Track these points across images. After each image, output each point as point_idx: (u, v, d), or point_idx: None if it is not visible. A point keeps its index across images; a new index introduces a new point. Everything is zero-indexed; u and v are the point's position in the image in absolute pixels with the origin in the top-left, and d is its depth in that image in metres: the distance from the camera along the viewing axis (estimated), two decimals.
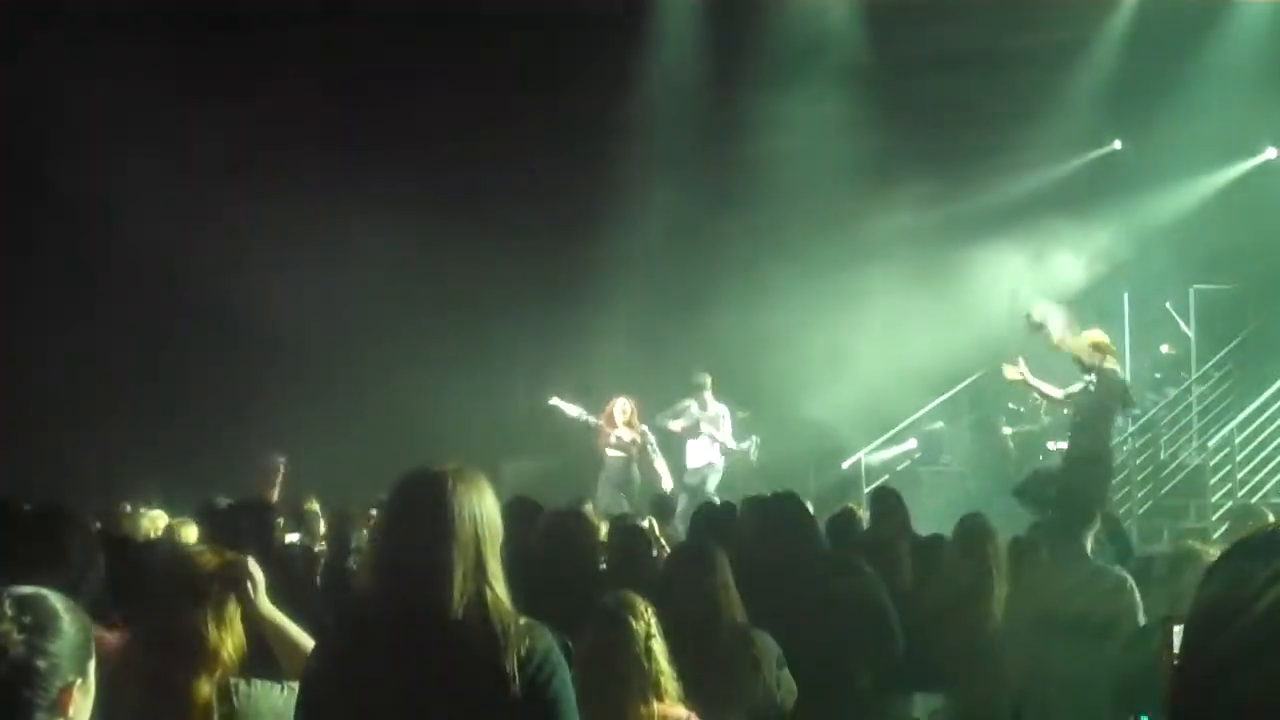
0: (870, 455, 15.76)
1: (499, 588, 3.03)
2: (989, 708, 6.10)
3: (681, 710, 3.92)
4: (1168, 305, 15.83)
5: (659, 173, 15.12)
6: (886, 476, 14.89)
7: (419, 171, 14.47)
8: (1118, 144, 16.33)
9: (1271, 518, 7.05)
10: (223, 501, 7.36)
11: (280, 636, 3.54)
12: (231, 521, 5.68)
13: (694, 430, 14.20)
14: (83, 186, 13.04)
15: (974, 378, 16.02)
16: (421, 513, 3.05)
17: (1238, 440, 13.08)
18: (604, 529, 7.65)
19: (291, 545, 5.32)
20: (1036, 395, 12.50)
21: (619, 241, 15.04)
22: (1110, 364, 10.98)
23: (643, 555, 6.60)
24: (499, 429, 14.84)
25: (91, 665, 2.36)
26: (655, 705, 3.86)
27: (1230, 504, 12.02)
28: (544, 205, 15.27)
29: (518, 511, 5.97)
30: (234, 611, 3.39)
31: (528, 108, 14.79)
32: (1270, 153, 15.77)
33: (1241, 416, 13.32)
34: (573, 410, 14.23)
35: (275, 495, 10.40)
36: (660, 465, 14.01)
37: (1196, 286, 15.40)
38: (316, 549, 7.26)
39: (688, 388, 14.39)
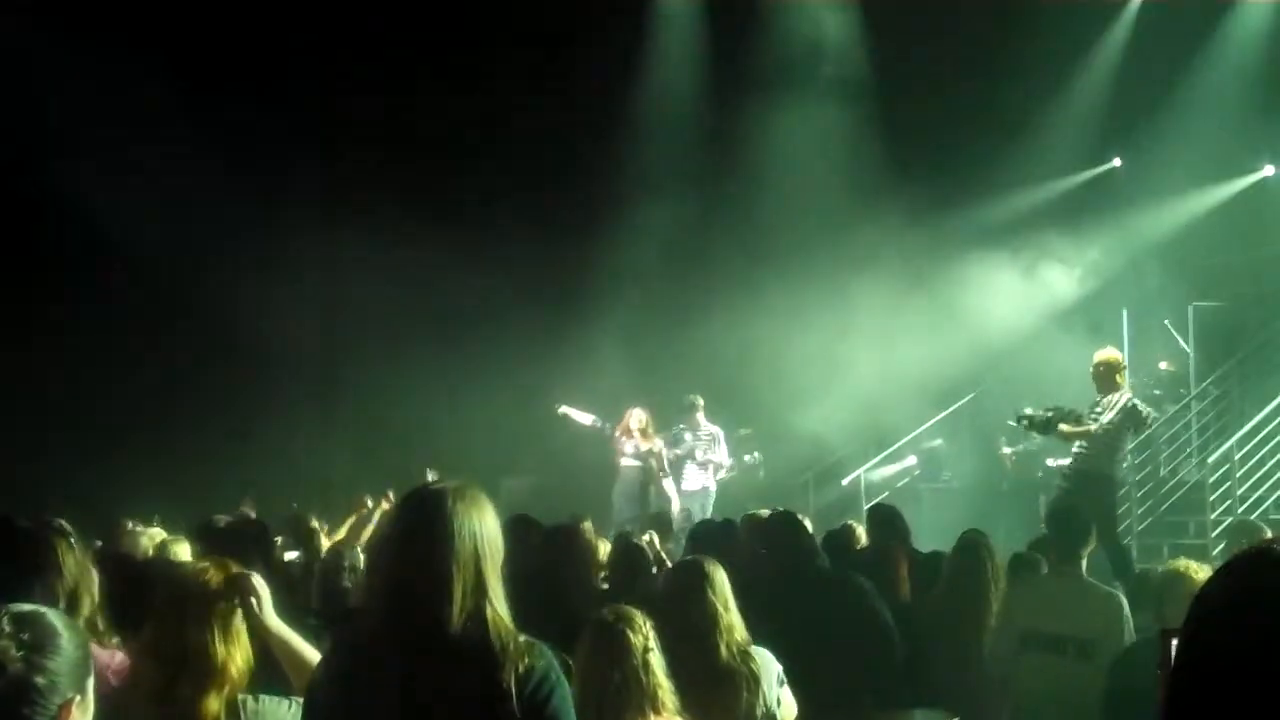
0: (870, 472, 15.78)
1: (499, 605, 3.04)
2: None
3: None
4: (1166, 322, 15.83)
5: (653, 187, 15.17)
6: (886, 493, 14.88)
7: (410, 184, 14.46)
8: (1117, 161, 16.38)
9: (1269, 533, 7.06)
10: (221, 520, 7.37)
11: (287, 651, 3.54)
12: (231, 541, 5.68)
13: (688, 456, 14.11)
14: (83, 201, 13.07)
15: (973, 394, 16.04)
16: (422, 531, 3.06)
17: (1237, 457, 13.06)
18: (606, 545, 7.67)
19: (292, 563, 5.31)
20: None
21: (614, 256, 15.06)
22: (1125, 384, 10.92)
23: (643, 571, 6.60)
24: (496, 445, 14.81)
25: (90, 683, 2.36)
26: (653, 718, 3.86)
27: (1230, 520, 12.00)
28: (538, 219, 15.26)
29: (517, 529, 5.96)
30: (240, 626, 3.38)
31: (522, 121, 14.83)
32: (1268, 170, 15.79)
33: (1241, 433, 13.30)
34: (585, 418, 14.10)
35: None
36: (668, 483, 13.81)
37: (1195, 304, 15.40)
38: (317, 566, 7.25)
39: (678, 408, 14.29)
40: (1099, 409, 10.44)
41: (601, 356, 14.83)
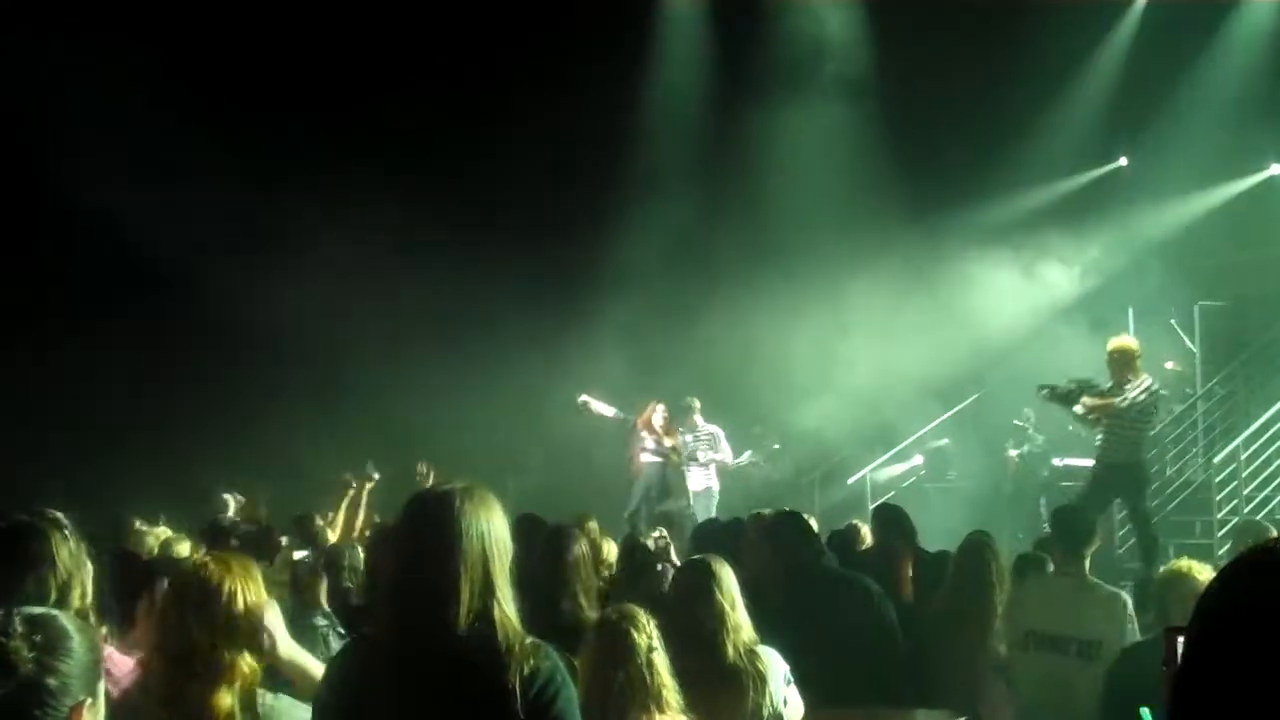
0: (876, 472, 15.78)
1: (507, 606, 3.04)
2: None
3: None
4: (1172, 322, 15.81)
5: (656, 187, 15.18)
6: (892, 493, 14.89)
7: (413, 185, 14.44)
8: (1123, 160, 16.37)
9: (1275, 533, 7.05)
10: (225, 520, 7.41)
11: (303, 675, 3.54)
12: (240, 542, 5.70)
13: (690, 458, 14.04)
14: (84, 202, 13.09)
15: (979, 394, 16.05)
16: (429, 531, 3.06)
17: (1243, 457, 13.04)
18: (611, 545, 7.67)
19: (300, 562, 5.32)
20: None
21: (617, 256, 15.07)
22: (1144, 371, 10.68)
23: (649, 570, 6.61)
24: (498, 444, 14.80)
25: (102, 686, 2.37)
26: (657, 717, 3.86)
27: (1236, 520, 11.98)
28: (541, 220, 15.27)
29: (526, 529, 5.96)
30: (253, 619, 3.36)
31: (526, 121, 14.82)
32: (1275, 168, 15.76)
33: (1247, 433, 13.29)
34: (607, 410, 13.92)
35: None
36: (687, 481, 13.70)
37: (1201, 303, 15.39)
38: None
39: (675, 410, 14.19)
40: (1127, 388, 10.24)
41: (604, 356, 14.84)
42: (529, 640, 3.04)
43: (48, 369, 13.85)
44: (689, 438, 14.08)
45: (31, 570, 3.58)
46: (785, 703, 4.52)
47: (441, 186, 14.63)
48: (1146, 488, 10.69)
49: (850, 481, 15.70)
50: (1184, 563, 5.45)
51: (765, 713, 4.43)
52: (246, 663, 3.23)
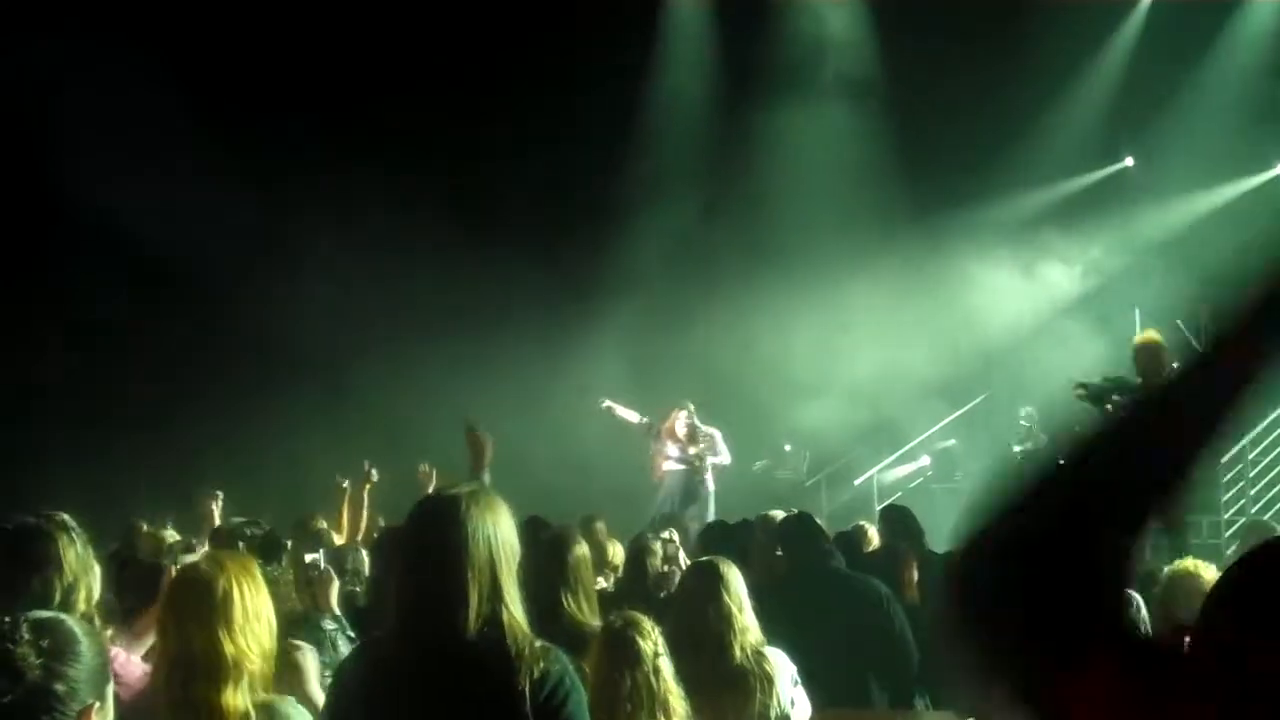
0: (883, 473, 15.77)
1: (515, 609, 3.04)
2: None
3: None
4: (1179, 322, 15.79)
5: (659, 189, 15.18)
6: (899, 494, 14.88)
7: (415, 188, 14.41)
8: (1129, 160, 16.35)
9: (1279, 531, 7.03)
10: (233, 521, 7.38)
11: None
12: (244, 547, 5.68)
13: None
14: (83, 201, 13.10)
15: (986, 395, 16.04)
16: (435, 537, 3.07)
17: (1250, 456, 13.03)
18: (616, 547, 7.65)
19: (312, 564, 5.29)
20: None
21: (620, 258, 15.06)
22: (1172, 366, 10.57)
23: (653, 572, 6.60)
24: (500, 447, 14.70)
25: (110, 689, 2.37)
26: None
27: (1243, 520, 11.97)
28: (544, 222, 15.25)
29: (530, 532, 5.95)
30: (252, 621, 3.33)
31: (528, 124, 14.83)
32: None
33: (1254, 433, 13.27)
34: (630, 415, 13.76)
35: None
36: (710, 483, 13.54)
37: (1207, 304, 15.34)
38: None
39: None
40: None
41: (607, 357, 14.83)
42: (539, 643, 3.04)
43: (48, 370, 13.85)
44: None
45: (37, 572, 3.58)
46: (793, 704, 4.52)
47: (443, 187, 14.62)
48: None
49: (857, 483, 15.69)
50: (1189, 562, 5.44)
51: (772, 714, 4.43)
52: (252, 660, 3.21)
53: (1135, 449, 1.46)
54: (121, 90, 13.01)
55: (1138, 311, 15.18)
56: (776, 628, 4.76)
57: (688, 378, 14.70)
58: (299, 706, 3.34)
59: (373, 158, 14.28)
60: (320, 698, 3.58)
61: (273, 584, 3.77)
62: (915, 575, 7.21)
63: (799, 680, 4.59)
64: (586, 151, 14.87)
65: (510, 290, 14.80)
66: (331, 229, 14.19)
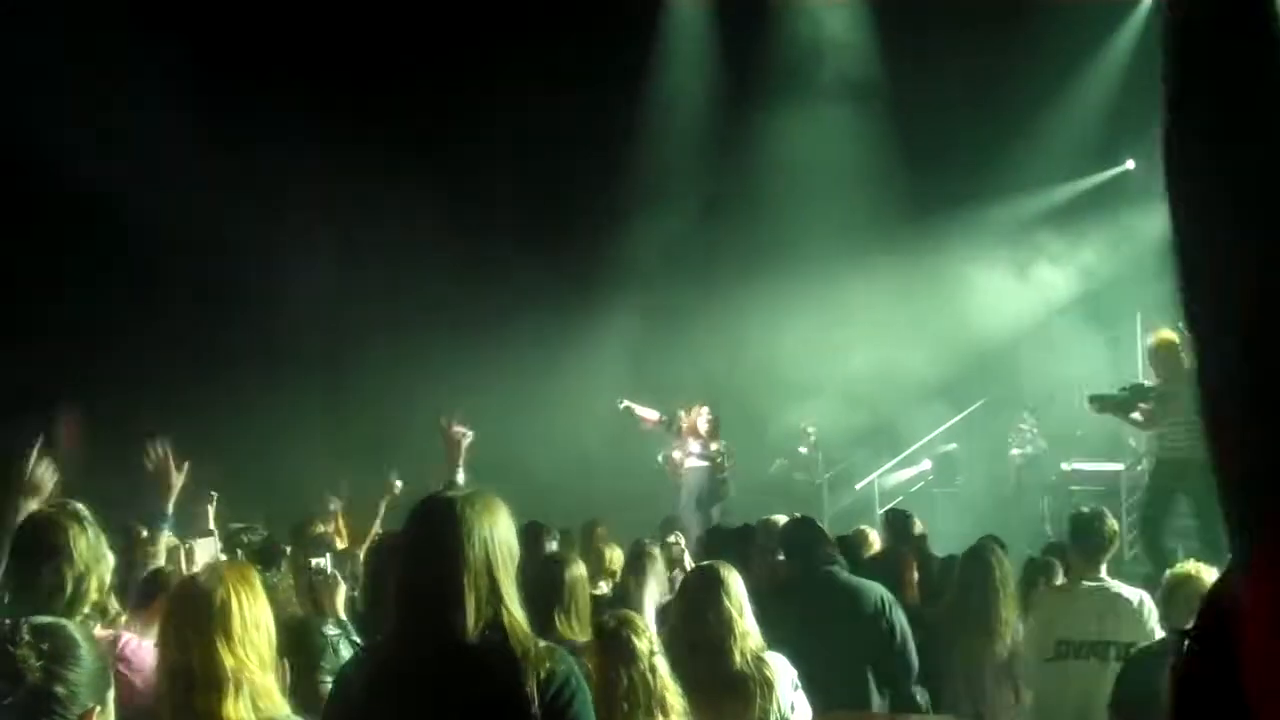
0: (884, 477, 15.77)
1: (515, 611, 3.03)
2: None
3: None
4: (1180, 325, 15.78)
5: (660, 191, 15.19)
6: (900, 498, 14.88)
7: (414, 190, 14.37)
8: (1130, 163, 16.34)
9: None
10: (232, 527, 7.38)
11: None
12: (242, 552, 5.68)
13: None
14: (86, 202, 13.09)
15: (986, 399, 16.04)
16: (434, 540, 3.06)
17: None
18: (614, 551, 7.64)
19: (319, 568, 5.27)
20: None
21: (620, 259, 15.07)
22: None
23: (653, 575, 6.59)
24: (499, 449, 14.68)
25: (111, 694, 2.38)
26: None
27: None
28: (543, 224, 15.24)
29: (528, 537, 5.95)
30: (253, 631, 3.29)
31: (528, 120, 14.82)
32: None
33: None
34: (650, 414, 13.68)
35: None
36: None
37: None
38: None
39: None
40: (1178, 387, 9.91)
41: (608, 356, 14.82)
42: (543, 644, 3.04)
43: (44, 369, 13.81)
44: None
45: (48, 563, 3.59)
46: (793, 708, 4.51)
47: (443, 189, 14.60)
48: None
49: (858, 487, 15.69)
50: (1191, 565, 5.43)
51: (772, 718, 4.43)
52: (252, 670, 3.18)
53: None
54: (120, 72, 12.93)
55: (1139, 315, 15.19)
56: (778, 632, 4.76)
57: (687, 378, 14.70)
58: (298, 719, 3.33)
59: (372, 159, 14.26)
60: None
61: (271, 590, 3.75)
62: (916, 576, 7.23)
63: (799, 685, 4.59)
64: (586, 151, 14.86)
65: (509, 290, 14.77)
66: (328, 229, 14.19)
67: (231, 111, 13.72)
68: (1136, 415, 10.01)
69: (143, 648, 3.79)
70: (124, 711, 2.79)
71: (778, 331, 14.95)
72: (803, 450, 15.57)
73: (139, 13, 13.18)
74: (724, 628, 4.49)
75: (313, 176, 13.93)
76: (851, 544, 7.81)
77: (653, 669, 3.89)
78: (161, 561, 5.04)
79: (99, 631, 3.65)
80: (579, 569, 5.01)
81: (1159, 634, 5.66)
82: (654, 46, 16.16)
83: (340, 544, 8.23)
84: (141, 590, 4.65)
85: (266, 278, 13.92)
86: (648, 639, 3.93)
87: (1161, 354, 9.86)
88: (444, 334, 14.35)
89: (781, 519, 7.36)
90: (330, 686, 3.41)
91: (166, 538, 5.32)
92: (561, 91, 14.40)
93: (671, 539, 7.84)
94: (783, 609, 5.36)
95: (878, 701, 5.80)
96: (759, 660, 4.50)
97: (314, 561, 5.48)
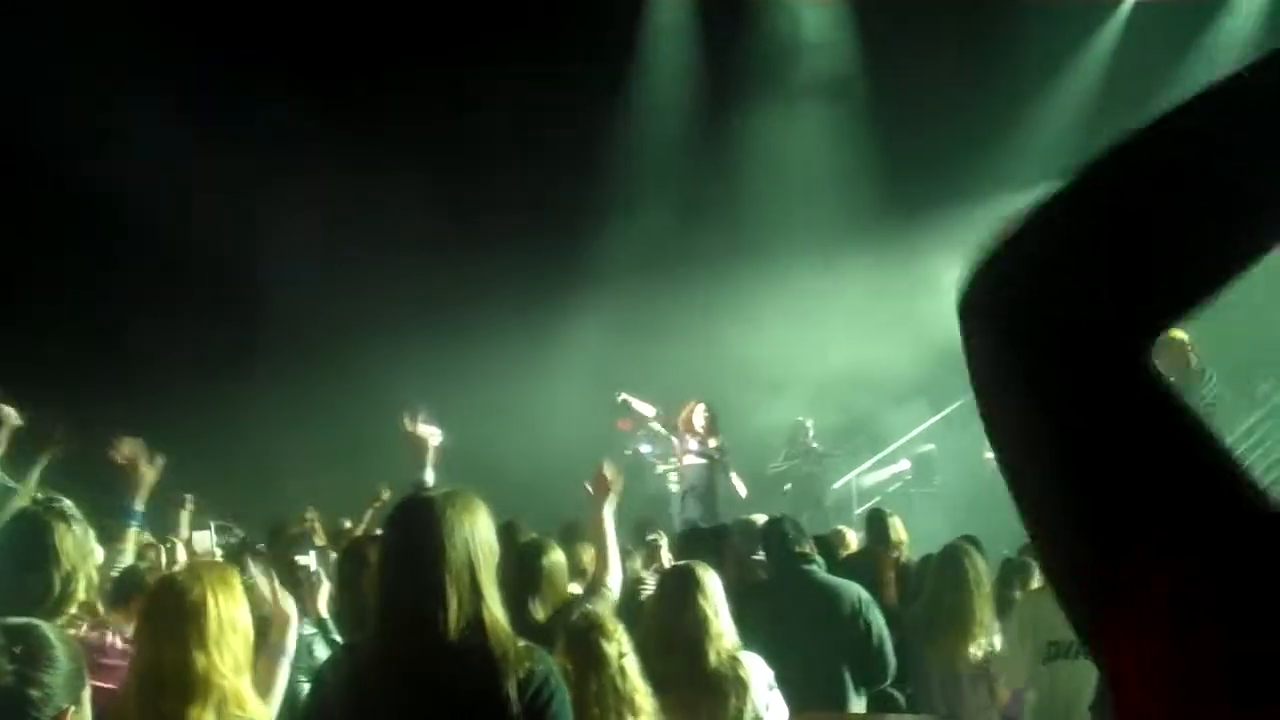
0: (861, 477, 15.76)
1: (496, 610, 3.04)
2: None
3: None
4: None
5: (641, 192, 15.18)
6: (878, 498, 14.89)
7: (406, 191, 14.35)
8: None
9: None
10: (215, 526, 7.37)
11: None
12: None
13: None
14: (84, 204, 13.04)
15: (965, 399, 16.04)
16: (413, 540, 3.07)
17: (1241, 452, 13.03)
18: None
19: (304, 567, 5.25)
20: None
21: (599, 256, 15.05)
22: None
23: (635, 576, 6.60)
24: (486, 450, 14.68)
25: (86, 694, 2.38)
26: None
27: None
28: (522, 217, 15.20)
29: (508, 538, 5.94)
30: (228, 635, 3.26)
31: (508, 121, 14.80)
32: None
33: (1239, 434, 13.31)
34: (648, 409, 13.63)
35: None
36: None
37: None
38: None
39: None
40: (1207, 386, 9.80)
41: (589, 356, 14.79)
42: (522, 644, 3.05)
43: (42, 368, 13.75)
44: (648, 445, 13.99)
45: (35, 562, 3.58)
46: (768, 708, 4.52)
47: (422, 190, 14.55)
48: None
49: (835, 486, 15.68)
50: None
51: (747, 718, 4.44)
52: (222, 675, 3.15)
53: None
54: (111, 61, 12.89)
55: None
56: (755, 632, 4.77)
57: (666, 379, 14.66)
58: None
59: (352, 158, 14.23)
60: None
61: (249, 591, 3.73)
62: (893, 576, 7.25)
63: (774, 685, 4.59)
64: (565, 152, 14.85)
65: (488, 291, 14.73)
66: (305, 228, 14.13)
67: (231, 111, 13.70)
68: None
69: (118, 640, 3.79)
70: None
71: (756, 331, 14.95)
72: (816, 445, 15.54)
73: (139, 13, 13.14)
74: (699, 628, 4.49)
75: (295, 173, 13.88)
76: (829, 544, 7.82)
77: (622, 671, 3.88)
78: (130, 559, 5.00)
79: (86, 631, 3.65)
80: (557, 555, 5.02)
81: None
82: (633, 46, 16.14)
83: (319, 541, 8.21)
84: (115, 589, 4.63)
85: (243, 273, 13.88)
86: (617, 641, 3.92)
87: (1169, 352, 9.58)
88: (421, 334, 14.31)
89: (760, 519, 7.37)
90: (309, 687, 3.41)
91: (136, 534, 5.28)
92: (539, 92, 14.38)
93: (652, 537, 7.83)
94: (759, 608, 5.37)
95: (855, 701, 5.81)
96: (734, 660, 4.50)
97: (299, 559, 5.46)
